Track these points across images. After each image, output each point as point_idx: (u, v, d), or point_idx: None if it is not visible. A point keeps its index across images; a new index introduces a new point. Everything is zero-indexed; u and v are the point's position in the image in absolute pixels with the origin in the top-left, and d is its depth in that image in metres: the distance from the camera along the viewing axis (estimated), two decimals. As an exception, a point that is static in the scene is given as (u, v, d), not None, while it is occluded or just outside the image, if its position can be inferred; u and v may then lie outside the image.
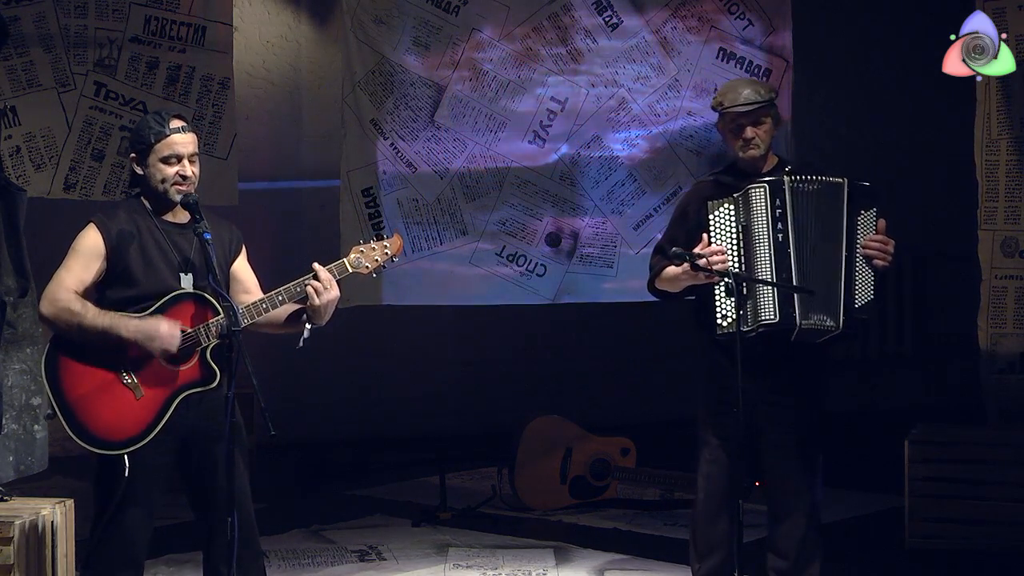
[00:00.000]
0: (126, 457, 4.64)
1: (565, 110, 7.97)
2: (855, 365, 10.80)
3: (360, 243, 4.94)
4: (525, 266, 7.99)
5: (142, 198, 4.85)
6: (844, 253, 5.10)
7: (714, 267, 5.01)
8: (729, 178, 5.30)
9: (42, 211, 6.91)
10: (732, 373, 4.99)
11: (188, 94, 7.68)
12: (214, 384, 4.72)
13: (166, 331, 4.63)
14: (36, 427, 6.66)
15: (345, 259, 4.86)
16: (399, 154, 7.89)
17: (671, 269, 5.23)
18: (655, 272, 5.37)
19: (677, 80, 7.97)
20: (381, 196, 7.87)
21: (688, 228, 5.28)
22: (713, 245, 5.10)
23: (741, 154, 5.23)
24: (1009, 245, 7.22)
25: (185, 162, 4.78)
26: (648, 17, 7.93)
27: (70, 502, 5.65)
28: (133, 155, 4.83)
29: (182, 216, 4.84)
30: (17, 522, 5.23)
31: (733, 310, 5.01)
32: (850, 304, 5.08)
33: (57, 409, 4.65)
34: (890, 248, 5.12)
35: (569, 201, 8.02)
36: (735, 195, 5.14)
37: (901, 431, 7.07)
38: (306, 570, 6.75)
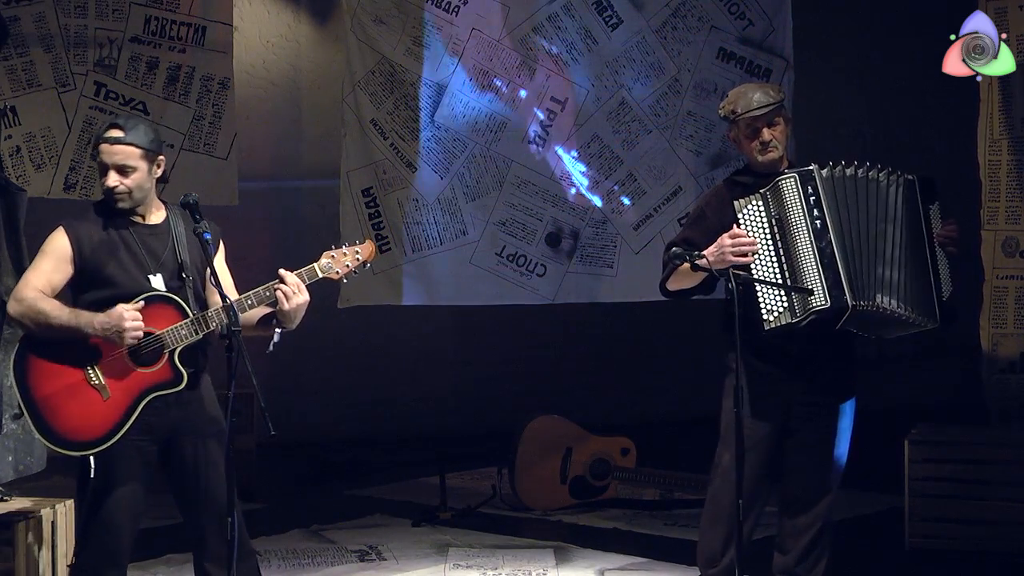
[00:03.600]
0: (92, 458, 4.64)
1: (565, 110, 7.96)
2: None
3: (332, 248, 4.92)
4: (525, 266, 7.98)
5: None
6: (927, 248, 5.17)
7: (734, 256, 5.01)
8: (748, 178, 5.31)
9: (42, 211, 6.84)
10: (769, 376, 5.07)
11: (188, 94, 7.70)
12: (181, 386, 4.72)
13: (129, 323, 4.60)
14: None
15: (316, 264, 4.86)
16: (399, 154, 7.88)
17: (686, 266, 5.20)
18: (666, 272, 5.33)
19: (677, 80, 7.96)
20: (381, 196, 7.86)
21: (706, 230, 5.26)
22: (742, 237, 5.09)
23: (760, 157, 5.23)
24: (1010, 245, 7.23)
25: (111, 174, 4.75)
26: (648, 17, 7.92)
27: (70, 502, 5.67)
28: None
29: (155, 216, 4.86)
30: (17, 522, 5.31)
31: (779, 302, 5.02)
32: (942, 302, 5.15)
33: (24, 408, 4.66)
34: (957, 235, 5.19)
35: (569, 201, 8.01)
36: (762, 191, 5.14)
37: (901, 431, 7.07)
38: (306, 570, 6.75)
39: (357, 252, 4.90)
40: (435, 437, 9.48)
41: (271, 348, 4.83)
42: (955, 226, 5.22)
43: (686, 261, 5.08)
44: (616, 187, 7.98)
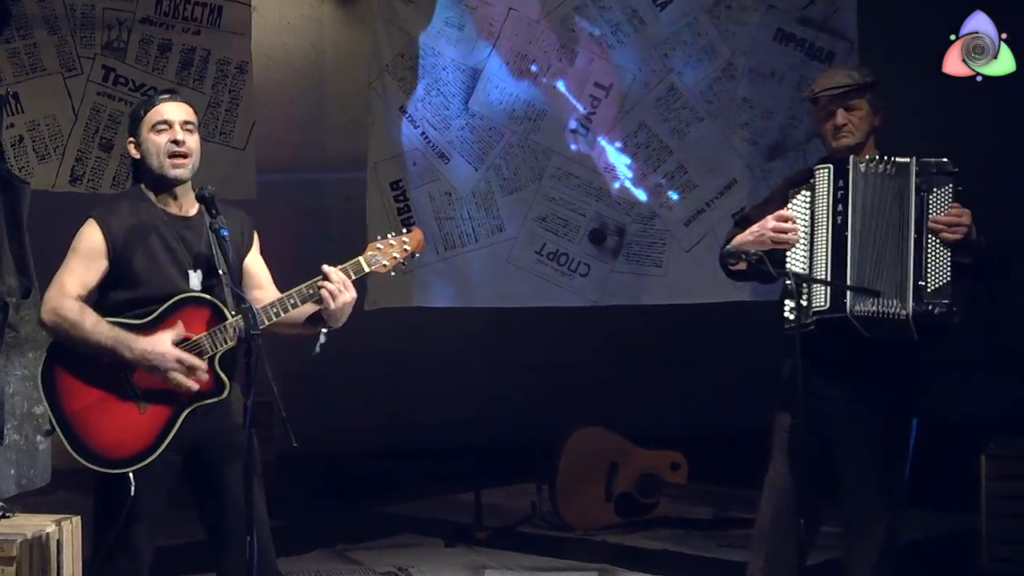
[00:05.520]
0: (132, 475, 4.63)
1: (610, 96, 7.97)
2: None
3: (377, 239, 4.94)
4: (567, 265, 8.00)
5: (144, 188, 4.86)
6: (912, 235, 5.10)
7: (770, 239, 5.10)
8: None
9: (46, 205, 6.93)
10: (810, 377, 5.04)
11: (203, 79, 7.71)
12: (223, 395, 4.73)
13: (172, 359, 4.61)
14: (39, 438, 6.66)
15: (360, 257, 4.87)
16: (430, 144, 7.93)
17: (735, 239, 5.29)
18: (723, 243, 5.42)
19: (731, 63, 7.95)
20: (411, 189, 7.90)
21: (766, 213, 5.30)
22: (780, 224, 5.16)
23: (833, 143, 5.27)
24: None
25: (176, 127, 4.78)
26: (700, -6, 7.95)
27: (76, 519, 5.67)
28: (130, 139, 4.87)
29: (190, 208, 4.85)
30: (19, 540, 5.26)
31: (794, 301, 5.07)
32: (920, 289, 5.08)
33: (55, 423, 4.66)
34: (964, 220, 5.10)
35: (614, 195, 8.03)
36: (811, 181, 5.22)
37: (976, 445, 7.05)
38: (330, 593, 6.81)
39: (405, 242, 4.93)
40: (468, 450, 9.48)
41: (316, 350, 4.82)
42: (959, 211, 5.12)
43: (741, 260, 5.16)
44: (664, 181, 7.98)
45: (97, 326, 4.64)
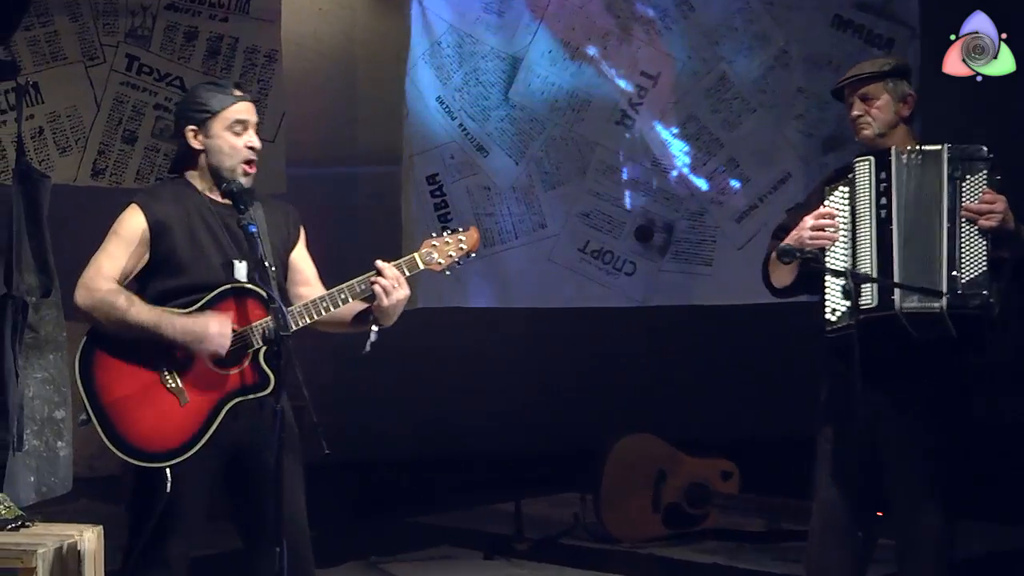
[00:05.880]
0: (168, 470, 4.62)
1: (657, 85, 7.93)
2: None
3: (432, 236, 4.94)
4: (612, 263, 7.96)
5: (189, 177, 4.88)
6: (946, 223, 5.07)
7: (809, 238, 5.08)
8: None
9: (67, 200, 6.96)
10: (851, 381, 4.95)
11: (231, 68, 7.67)
12: (268, 390, 4.70)
13: (215, 331, 4.63)
14: (60, 443, 6.70)
15: (416, 254, 4.88)
16: (468, 136, 7.86)
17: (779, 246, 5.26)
18: (765, 257, 5.43)
19: (785, 51, 7.94)
20: (448, 184, 7.84)
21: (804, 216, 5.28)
22: (819, 222, 5.14)
23: (856, 136, 5.32)
24: None
25: (252, 131, 4.86)
26: (754, -22, 7.89)
27: (99, 529, 5.63)
28: (192, 127, 4.84)
29: None
30: (40, 551, 5.23)
31: (841, 302, 5.03)
32: (954, 280, 5.02)
33: (91, 413, 4.65)
34: (998, 206, 5.05)
35: (662, 189, 7.99)
36: (849, 175, 5.19)
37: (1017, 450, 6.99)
38: (364, 609, 6.78)
39: (461, 240, 4.93)
40: (506, 457, 9.49)
41: (367, 348, 4.84)
42: (993, 197, 5.07)
43: (795, 259, 5.11)
44: (715, 174, 7.96)
45: (136, 306, 4.65)
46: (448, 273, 4.98)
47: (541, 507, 8.70)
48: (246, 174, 4.82)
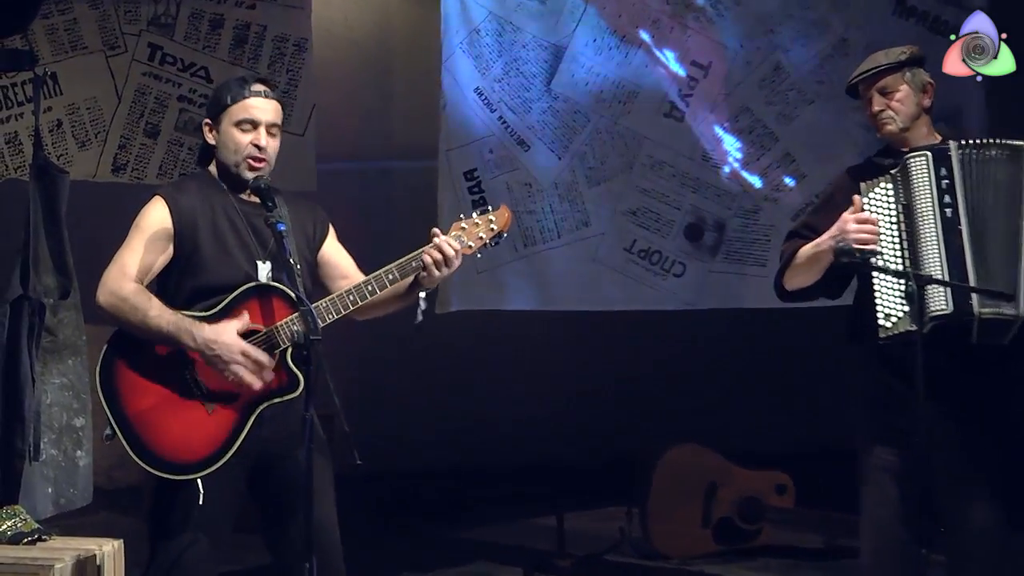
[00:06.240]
0: (200, 482, 4.60)
1: (708, 75, 7.91)
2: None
3: (460, 217, 4.92)
4: (660, 264, 7.92)
5: (212, 172, 4.90)
6: None
7: (854, 242, 4.96)
8: (885, 160, 5.27)
9: (86, 197, 6.93)
10: (901, 391, 4.91)
11: (258, 58, 7.73)
12: (297, 391, 4.67)
13: (238, 352, 4.59)
14: (79, 453, 6.71)
15: (445, 239, 4.85)
16: (509, 129, 7.83)
17: (805, 248, 5.19)
18: (783, 262, 5.33)
19: (844, 39, 7.91)
20: (487, 180, 7.81)
21: (833, 216, 5.17)
22: (864, 225, 5.03)
23: (879, 133, 5.29)
24: None
25: (261, 131, 4.82)
26: (811, -39, 7.91)
27: (119, 542, 5.64)
28: (207, 121, 4.89)
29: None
30: (58, 566, 5.23)
31: (899, 306, 4.93)
32: None
33: (115, 427, 4.63)
34: None
35: (713, 186, 7.96)
36: (892, 171, 5.09)
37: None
38: (397, 628, 6.78)
39: (491, 220, 4.89)
40: (550, 469, 9.44)
41: (420, 317, 4.84)
42: None
43: (855, 260, 4.96)
44: (770, 169, 7.99)
45: (159, 310, 4.63)
46: (479, 255, 4.93)
47: (584, 521, 8.68)
48: (251, 169, 4.80)
